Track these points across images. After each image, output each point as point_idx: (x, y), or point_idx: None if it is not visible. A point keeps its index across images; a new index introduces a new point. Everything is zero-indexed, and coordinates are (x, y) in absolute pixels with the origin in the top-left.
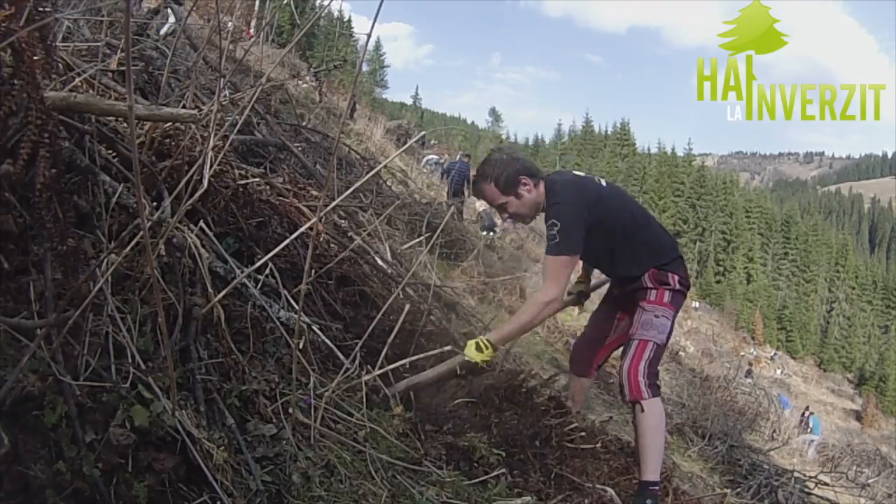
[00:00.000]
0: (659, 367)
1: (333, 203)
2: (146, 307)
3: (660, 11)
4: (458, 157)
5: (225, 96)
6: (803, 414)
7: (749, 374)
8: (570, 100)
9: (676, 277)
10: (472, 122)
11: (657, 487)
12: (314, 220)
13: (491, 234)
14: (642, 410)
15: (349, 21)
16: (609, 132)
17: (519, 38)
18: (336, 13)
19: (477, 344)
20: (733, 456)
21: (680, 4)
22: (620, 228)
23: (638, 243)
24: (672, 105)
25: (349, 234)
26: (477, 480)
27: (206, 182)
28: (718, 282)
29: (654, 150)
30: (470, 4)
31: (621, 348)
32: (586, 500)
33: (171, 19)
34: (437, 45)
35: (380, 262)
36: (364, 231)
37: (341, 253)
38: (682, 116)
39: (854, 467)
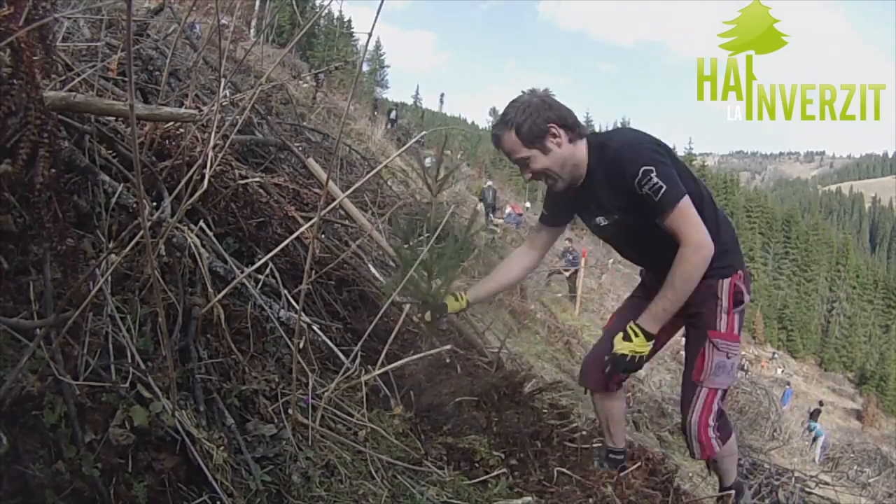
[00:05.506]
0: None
1: (332, 205)
2: (146, 307)
3: (667, 26)
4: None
5: (225, 96)
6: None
7: None
8: (578, 102)
9: (747, 288)
10: (472, 122)
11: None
12: (314, 220)
13: (491, 235)
14: (716, 461)
15: (349, 21)
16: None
17: (534, 49)
18: (337, 13)
19: (630, 331)
20: None
21: (684, 18)
22: (707, 203)
23: (722, 232)
24: (674, 107)
25: (349, 234)
26: (477, 480)
27: (206, 182)
28: None
29: None
30: (488, 18)
31: (681, 393)
32: (588, 500)
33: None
34: (454, 53)
35: (372, 269)
36: (365, 233)
37: (341, 254)
38: (683, 117)
39: (854, 467)
